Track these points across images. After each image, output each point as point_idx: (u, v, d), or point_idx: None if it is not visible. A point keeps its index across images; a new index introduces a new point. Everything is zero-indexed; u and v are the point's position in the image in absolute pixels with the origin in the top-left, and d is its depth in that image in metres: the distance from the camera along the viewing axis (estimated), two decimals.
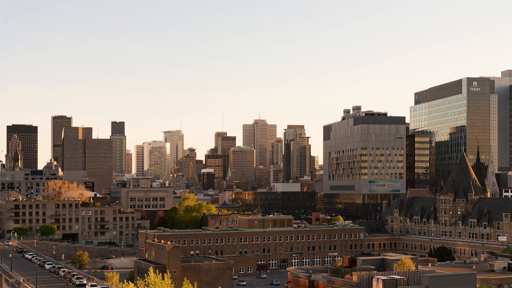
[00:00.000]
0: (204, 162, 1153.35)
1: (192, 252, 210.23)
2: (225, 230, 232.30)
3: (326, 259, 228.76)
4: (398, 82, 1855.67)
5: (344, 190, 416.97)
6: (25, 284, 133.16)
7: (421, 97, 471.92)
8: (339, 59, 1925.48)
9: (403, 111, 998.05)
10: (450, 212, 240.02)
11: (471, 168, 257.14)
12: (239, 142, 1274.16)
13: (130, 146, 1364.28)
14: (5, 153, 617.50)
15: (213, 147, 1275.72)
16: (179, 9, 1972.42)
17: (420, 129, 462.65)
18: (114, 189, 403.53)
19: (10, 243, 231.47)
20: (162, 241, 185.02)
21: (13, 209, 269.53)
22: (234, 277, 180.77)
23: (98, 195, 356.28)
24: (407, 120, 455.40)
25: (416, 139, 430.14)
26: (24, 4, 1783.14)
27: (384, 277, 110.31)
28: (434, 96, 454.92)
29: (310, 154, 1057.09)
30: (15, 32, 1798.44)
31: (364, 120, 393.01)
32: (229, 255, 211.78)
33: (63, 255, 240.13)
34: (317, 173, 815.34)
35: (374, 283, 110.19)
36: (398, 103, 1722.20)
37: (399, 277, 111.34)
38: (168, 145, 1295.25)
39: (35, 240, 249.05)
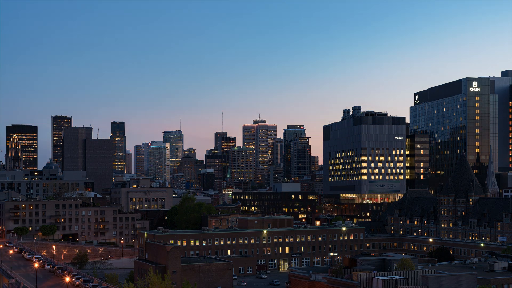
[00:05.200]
0: (204, 162, 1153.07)
1: (192, 252, 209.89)
2: (225, 230, 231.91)
3: (326, 259, 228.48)
4: (398, 82, 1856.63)
5: (344, 190, 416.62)
6: (25, 285, 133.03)
7: (421, 97, 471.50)
8: (339, 59, 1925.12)
9: (403, 111, 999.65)
10: (450, 213, 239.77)
11: (471, 168, 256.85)
12: (239, 142, 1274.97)
13: (130, 146, 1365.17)
14: (5, 153, 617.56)
15: (213, 147, 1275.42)
16: (179, 9, 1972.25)
17: (420, 129, 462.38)
18: (114, 189, 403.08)
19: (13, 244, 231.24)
20: (162, 241, 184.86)
21: (13, 209, 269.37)
22: (234, 277, 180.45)
23: (98, 195, 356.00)
24: (407, 120, 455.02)
25: (416, 139, 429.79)
26: (24, 5, 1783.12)
27: (384, 277, 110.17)
28: (434, 96, 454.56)
29: (310, 154, 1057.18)
30: (15, 32, 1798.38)
31: (364, 120, 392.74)
32: (229, 255, 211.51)
33: (63, 255, 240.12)
34: (317, 173, 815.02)
35: (374, 283, 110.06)
36: (398, 103, 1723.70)
37: (399, 277, 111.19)
38: (168, 145, 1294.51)
39: (35, 240, 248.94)
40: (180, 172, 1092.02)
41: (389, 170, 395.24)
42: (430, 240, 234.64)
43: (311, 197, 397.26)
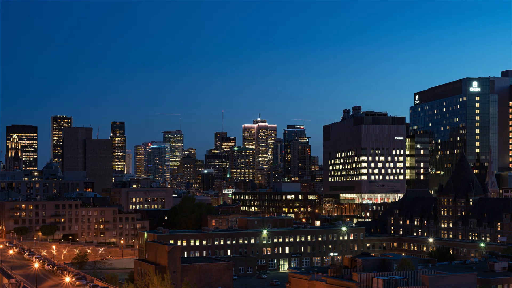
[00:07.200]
0: (204, 162, 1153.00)
1: (192, 252, 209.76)
2: (225, 230, 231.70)
3: (326, 259, 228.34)
4: (398, 82, 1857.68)
5: (344, 190, 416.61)
6: (25, 285, 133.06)
7: (421, 97, 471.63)
8: (339, 59, 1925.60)
9: (403, 111, 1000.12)
10: (450, 213, 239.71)
11: (471, 168, 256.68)
12: (239, 142, 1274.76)
13: (130, 146, 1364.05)
14: (5, 153, 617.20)
15: (213, 147, 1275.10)
16: (179, 9, 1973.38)
17: (420, 129, 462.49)
18: (114, 189, 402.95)
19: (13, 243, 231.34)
20: (162, 241, 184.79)
21: (13, 209, 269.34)
22: (234, 277, 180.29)
23: (98, 195, 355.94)
24: (407, 120, 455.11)
25: (416, 139, 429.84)
26: (24, 5, 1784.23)
27: (384, 277, 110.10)
28: (434, 96, 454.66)
29: (310, 154, 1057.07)
30: (15, 32, 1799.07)
31: (364, 120, 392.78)
32: (229, 255, 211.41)
33: (63, 255, 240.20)
34: (317, 173, 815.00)
35: (374, 283, 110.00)
36: (398, 103, 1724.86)
37: (399, 277, 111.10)
38: (168, 145, 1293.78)
39: (35, 240, 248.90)
40: (180, 172, 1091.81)
41: (389, 170, 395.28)
42: (430, 240, 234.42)
43: (311, 197, 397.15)
